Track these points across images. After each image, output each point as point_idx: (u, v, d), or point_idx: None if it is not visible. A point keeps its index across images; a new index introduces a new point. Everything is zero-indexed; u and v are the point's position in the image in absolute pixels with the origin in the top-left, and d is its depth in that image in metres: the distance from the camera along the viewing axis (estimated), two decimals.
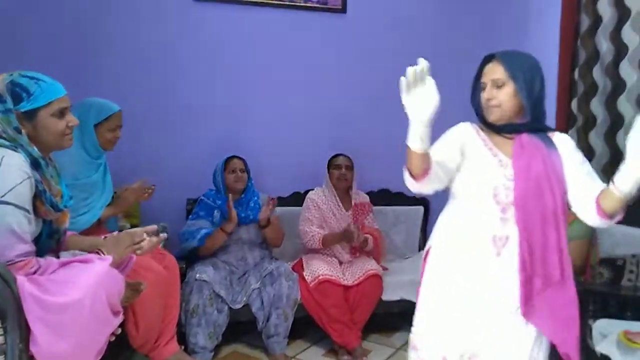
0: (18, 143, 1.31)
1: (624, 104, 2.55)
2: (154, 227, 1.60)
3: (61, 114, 1.39)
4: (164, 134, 2.92)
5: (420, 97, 1.22)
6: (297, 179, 3.12)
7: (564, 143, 1.42)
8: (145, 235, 1.50)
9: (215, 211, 2.66)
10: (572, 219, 2.36)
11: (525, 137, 1.40)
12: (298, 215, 2.80)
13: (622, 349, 1.82)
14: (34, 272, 1.23)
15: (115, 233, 1.52)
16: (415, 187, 1.42)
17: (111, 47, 2.81)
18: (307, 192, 2.91)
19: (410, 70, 1.20)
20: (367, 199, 2.91)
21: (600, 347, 1.92)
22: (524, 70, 1.38)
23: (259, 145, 3.03)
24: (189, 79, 2.94)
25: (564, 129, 2.92)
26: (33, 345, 1.15)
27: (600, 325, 2.01)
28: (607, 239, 2.48)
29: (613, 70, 2.61)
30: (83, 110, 2.00)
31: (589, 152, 2.77)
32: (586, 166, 1.41)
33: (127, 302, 1.54)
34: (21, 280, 1.18)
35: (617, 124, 2.59)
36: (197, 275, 2.38)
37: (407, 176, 1.41)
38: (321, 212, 2.74)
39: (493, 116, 1.42)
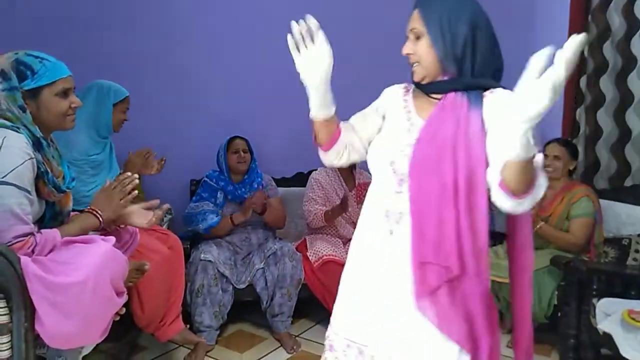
0: (21, 123, 1.30)
1: (634, 82, 2.50)
2: (156, 200, 1.60)
3: (65, 94, 1.39)
4: (168, 114, 2.90)
5: (311, 59, 1.07)
6: (300, 159, 3.10)
7: (495, 101, 1.08)
8: (136, 178, 1.49)
9: (219, 192, 2.65)
10: (578, 197, 2.37)
11: (450, 97, 1.11)
12: (302, 196, 2.79)
13: (625, 328, 1.82)
14: (32, 251, 1.23)
15: (105, 185, 1.49)
16: (323, 158, 1.26)
17: (115, 27, 2.77)
18: (310, 172, 2.89)
19: (295, 27, 1.06)
20: (370, 178, 2.88)
21: (603, 326, 1.92)
22: (441, 15, 1.08)
23: (262, 125, 3.01)
24: (194, 59, 2.90)
25: (572, 108, 2.88)
26: (38, 325, 1.16)
27: (604, 304, 2.01)
28: (612, 218, 2.47)
29: (624, 47, 2.55)
30: (103, 90, 2.08)
31: (597, 132, 2.73)
32: None
33: (131, 282, 1.55)
34: (25, 260, 1.18)
35: (626, 102, 2.55)
36: (202, 256, 2.39)
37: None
38: (325, 191, 2.73)
39: (415, 75, 1.15)
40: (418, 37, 1.11)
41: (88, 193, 1.95)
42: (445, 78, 1.12)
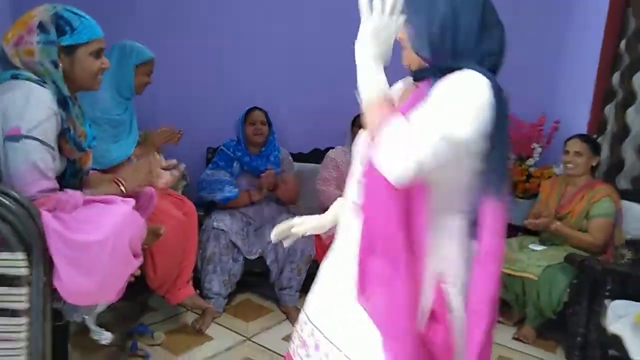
0: (50, 78, 1.29)
1: None
2: (174, 160, 1.59)
3: (98, 54, 1.38)
4: (190, 80, 2.88)
5: (385, 26, 0.92)
6: (318, 135, 3.07)
7: (439, 84, 0.92)
8: (164, 163, 1.50)
9: (235, 162, 2.65)
10: (599, 196, 2.33)
11: (421, 85, 1.01)
12: (317, 173, 2.77)
13: (636, 331, 1.80)
14: (54, 208, 1.24)
15: (134, 161, 1.52)
16: None
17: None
18: (327, 149, 2.86)
19: None
20: None
21: (614, 327, 1.91)
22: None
23: (282, 98, 2.97)
24: (216, 28, 2.86)
25: (601, 104, 2.81)
26: (56, 280, 1.18)
27: (617, 306, 1.99)
28: (632, 220, 2.42)
29: None
30: (125, 51, 2.04)
31: (624, 130, 2.66)
32: (422, 110, 0.89)
33: (147, 245, 1.56)
34: (46, 216, 1.19)
35: None
36: (215, 224, 2.40)
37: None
38: (340, 172, 2.71)
39: (404, 59, 1.04)
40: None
41: (106, 153, 1.95)
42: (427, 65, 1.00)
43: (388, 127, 0.87)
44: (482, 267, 0.95)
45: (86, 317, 1.31)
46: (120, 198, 1.31)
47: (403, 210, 0.93)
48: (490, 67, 0.97)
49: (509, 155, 0.97)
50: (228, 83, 2.93)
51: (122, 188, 1.43)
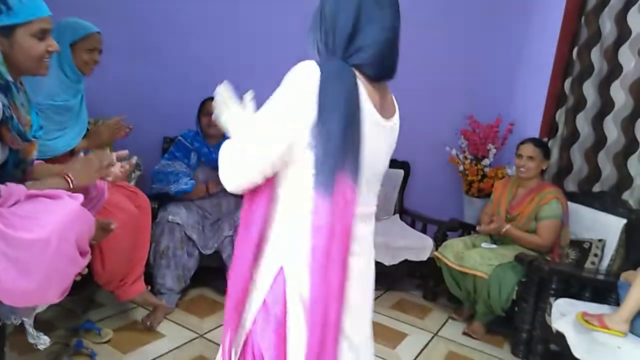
0: None
1: (617, 90, 2.53)
2: (125, 151, 1.51)
3: (42, 35, 1.26)
4: (148, 66, 2.75)
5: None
6: None
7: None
8: (115, 159, 1.41)
9: (192, 153, 2.57)
10: (548, 199, 2.42)
11: None
12: None
13: (577, 329, 1.90)
14: None
15: (82, 154, 1.43)
16: None
17: None
18: None
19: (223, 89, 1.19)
20: None
21: (557, 325, 2.00)
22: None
23: (245, 87, 2.89)
24: (175, 13, 2.75)
25: (553, 107, 2.92)
26: None
27: (560, 304, 2.09)
28: (577, 222, 2.54)
29: (612, 54, 2.57)
30: (60, 29, 1.87)
31: (573, 135, 2.78)
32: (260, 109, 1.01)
33: (95, 241, 1.48)
34: None
35: (606, 109, 2.59)
36: (170, 217, 2.33)
37: None
38: None
39: None
40: None
41: (51, 142, 1.83)
42: None
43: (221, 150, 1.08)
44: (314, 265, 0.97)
45: (25, 319, 1.23)
46: (68, 193, 1.23)
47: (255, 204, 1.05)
48: (364, 61, 1.01)
49: (347, 140, 0.96)
50: (189, 68, 2.82)
51: (70, 184, 1.35)
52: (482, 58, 3.24)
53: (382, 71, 1.04)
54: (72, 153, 1.96)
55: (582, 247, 2.43)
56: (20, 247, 1.08)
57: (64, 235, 1.12)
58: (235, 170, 1.03)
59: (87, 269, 1.33)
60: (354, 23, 1.01)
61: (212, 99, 2.72)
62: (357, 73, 1.01)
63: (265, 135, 0.99)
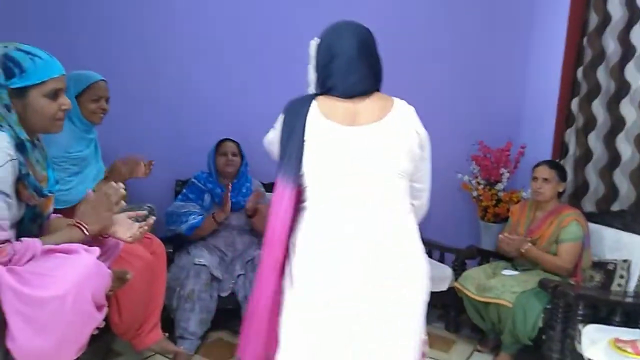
0: (5, 122, 1.21)
1: (627, 107, 2.51)
2: (143, 212, 1.53)
3: (55, 95, 1.29)
4: (156, 111, 2.81)
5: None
6: None
7: None
8: (122, 189, 1.39)
9: (206, 195, 2.58)
10: (568, 221, 2.37)
11: None
12: None
13: (611, 356, 1.82)
14: (9, 260, 1.15)
15: (89, 193, 1.39)
16: None
17: (101, 22, 2.66)
18: None
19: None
20: None
21: (589, 354, 1.92)
22: None
23: (253, 128, 2.90)
24: (184, 58, 2.81)
25: (563, 128, 2.90)
26: (9, 340, 1.08)
27: (590, 331, 2.01)
28: (598, 242, 2.48)
29: (618, 72, 2.57)
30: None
31: (587, 154, 2.75)
32: None
33: (112, 292, 1.47)
34: (0, 270, 1.10)
35: (617, 127, 2.57)
36: (196, 260, 2.32)
37: None
38: None
39: None
40: None
41: (67, 191, 1.86)
42: None
43: None
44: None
45: None
46: (84, 247, 1.23)
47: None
48: (333, 87, 1.33)
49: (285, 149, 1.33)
50: (198, 113, 2.87)
51: (85, 231, 1.34)
52: (487, 83, 3.25)
53: (346, 91, 1.31)
54: None
55: (606, 269, 2.36)
56: (36, 306, 1.08)
57: (80, 291, 1.12)
58: None
59: (104, 323, 1.31)
60: (324, 64, 1.34)
61: (228, 139, 2.77)
62: (324, 97, 1.33)
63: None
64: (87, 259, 1.17)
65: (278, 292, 1.32)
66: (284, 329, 1.30)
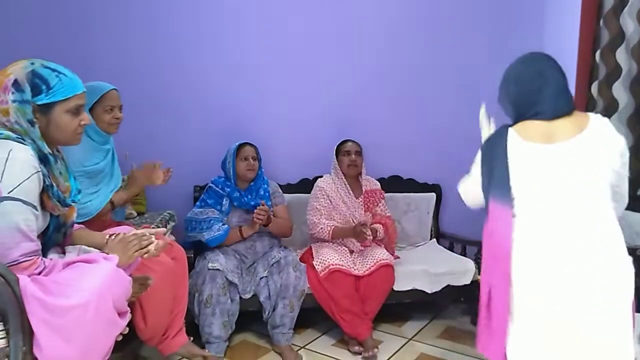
0: (28, 136, 1.25)
1: None
2: (163, 229, 1.56)
3: (76, 111, 1.34)
4: (172, 118, 2.86)
5: None
6: (305, 165, 3.05)
7: None
8: (153, 237, 1.44)
9: (224, 199, 2.60)
10: None
11: None
12: (306, 202, 2.74)
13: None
14: (39, 273, 1.18)
15: (122, 234, 1.45)
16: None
17: (116, 31, 2.72)
18: (315, 178, 2.84)
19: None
20: (378, 185, 2.84)
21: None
22: None
23: (267, 130, 2.95)
24: (196, 63, 2.86)
25: (584, 112, 2.83)
26: (36, 349, 1.11)
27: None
28: (627, 228, 2.39)
29: (639, 52, 2.49)
30: None
31: None
32: None
33: (134, 297, 1.50)
34: (24, 280, 1.13)
35: None
36: (210, 265, 2.34)
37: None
38: (330, 200, 2.68)
39: None
40: None
41: (84, 205, 1.87)
42: None
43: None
44: None
45: None
46: (103, 255, 1.26)
47: None
48: (552, 112, 1.44)
49: (491, 176, 1.50)
50: (213, 119, 2.91)
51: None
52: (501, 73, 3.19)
53: (554, 112, 1.42)
54: (113, 206, 2.01)
55: (635, 255, 2.28)
56: (61, 314, 1.10)
57: (102, 298, 1.14)
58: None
59: (127, 328, 1.34)
60: (531, 91, 1.45)
61: (247, 144, 2.78)
62: (524, 123, 1.47)
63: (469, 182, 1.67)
64: (106, 267, 1.19)
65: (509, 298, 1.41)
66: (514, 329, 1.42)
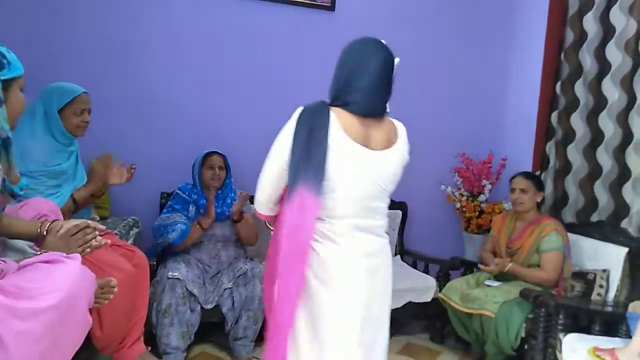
0: None
1: (605, 120, 2.58)
2: (102, 227, 1.49)
3: (22, 91, 1.29)
4: (140, 124, 2.81)
5: None
6: None
7: None
8: (96, 232, 1.36)
9: (191, 205, 2.57)
10: (547, 231, 2.42)
11: None
12: None
13: None
14: None
15: (59, 223, 1.35)
16: None
17: (84, 32, 2.67)
18: None
19: None
20: None
21: None
22: None
23: (239, 140, 2.95)
24: (168, 69, 2.83)
25: (543, 140, 2.97)
26: (3, 354, 1.06)
27: (570, 340, 2.04)
28: (578, 253, 2.52)
29: (596, 87, 2.64)
30: (46, 97, 1.91)
31: (566, 166, 2.81)
32: None
33: (98, 303, 1.44)
34: None
35: (597, 139, 2.63)
36: (170, 273, 2.30)
37: None
38: None
39: None
40: None
41: None
42: None
43: None
44: None
45: None
46: (64, 255, 1.22)
47: None
48: (352, 101, 1.36)
49: (308, 157, 1.29)
50: (181, 126, 2.88)
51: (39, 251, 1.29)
52: (469, 97, 3.32)
53: (366, 110, 1.35)
54: (76, 208, 1.95)
55: (586, 279, 2.40)
56: (31, 318, 1.06)
57: (73, 299, 1.12)
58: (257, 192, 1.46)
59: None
60: (349, 77, 1.35)
61: (215, 153, 2.76)
62: (340, 110, 1.34)
63: (267, 162, 1.41)
64: (74, 266, 1.16)
65: (298, 303, 1.34)
66: (299, 336, 1.37)
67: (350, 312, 1.35)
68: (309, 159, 1.27)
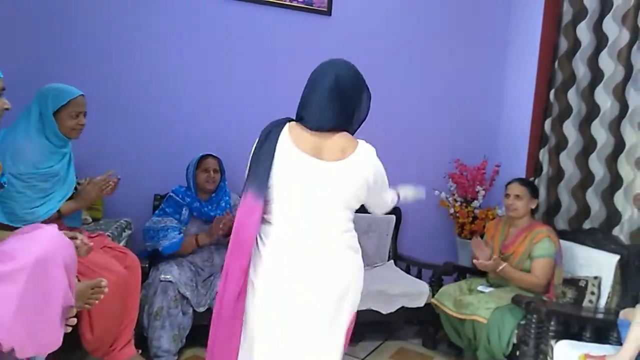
0: None
1: (597, 128, 2.60)
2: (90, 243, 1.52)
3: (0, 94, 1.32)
4: (134, 125, 2.80)
5: None
6: None
7: None
8: (77, 234, 1.40)
9: (184, 209, 2.56)
10: (540, 237, 2.43)
11: None
12: None
13: None
14: None
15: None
16: None
17: (79, 34, 2.66)
18: None
19: None
20: None
21: None
22: None
23: (234, 143, 2.93)
24: (163, 72, 2.82)
25: (537, 147, 2.99)
26: None
27: (562, 346, 2.05)
28: (570, 259, 2.53)
29: (588, 95, 2.67)
30: (41, 98, 1.89)
31: (559, 174, 2.83)
32: None
33: (89, 304, 1.43)
34: None
35: (589, 147, 2.65)
36: (162, 276, 2.29)
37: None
38: None
39: None
40: None
41: (31, 211, 1.79)
42: None
43: None
44: None
45: None
46: (41, 225, 1.24)
47: None
48: (305, 117, 1.48)
49: (257, 166, 1.45)
50: (175, 127, 2.87)
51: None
52: (464, 103, 3.34)
53: (315, 125, 1.45)
54: (60, 216, 1.94)
55: (578, 286, 2.41)
56: (6, 279, 1.07)
57: (50, 256, 1.14)
58: None
59: (75, 319, 1.29)
60: (305, 94, 1.50)
61: (210, 155, 2.75)
62: (295, 125, 1.48)
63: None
64: (50, 230, 1.18)
65: (242, 299, 1.43)
66: (245, 336, 1.46)
67: (270, 312, 1.44)
68: (257, 167, 1.44)
